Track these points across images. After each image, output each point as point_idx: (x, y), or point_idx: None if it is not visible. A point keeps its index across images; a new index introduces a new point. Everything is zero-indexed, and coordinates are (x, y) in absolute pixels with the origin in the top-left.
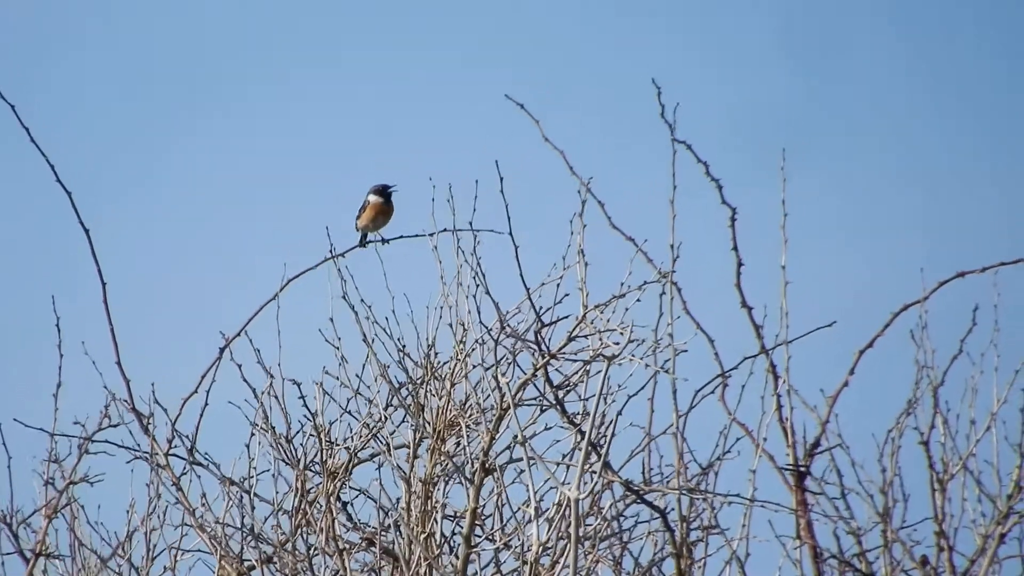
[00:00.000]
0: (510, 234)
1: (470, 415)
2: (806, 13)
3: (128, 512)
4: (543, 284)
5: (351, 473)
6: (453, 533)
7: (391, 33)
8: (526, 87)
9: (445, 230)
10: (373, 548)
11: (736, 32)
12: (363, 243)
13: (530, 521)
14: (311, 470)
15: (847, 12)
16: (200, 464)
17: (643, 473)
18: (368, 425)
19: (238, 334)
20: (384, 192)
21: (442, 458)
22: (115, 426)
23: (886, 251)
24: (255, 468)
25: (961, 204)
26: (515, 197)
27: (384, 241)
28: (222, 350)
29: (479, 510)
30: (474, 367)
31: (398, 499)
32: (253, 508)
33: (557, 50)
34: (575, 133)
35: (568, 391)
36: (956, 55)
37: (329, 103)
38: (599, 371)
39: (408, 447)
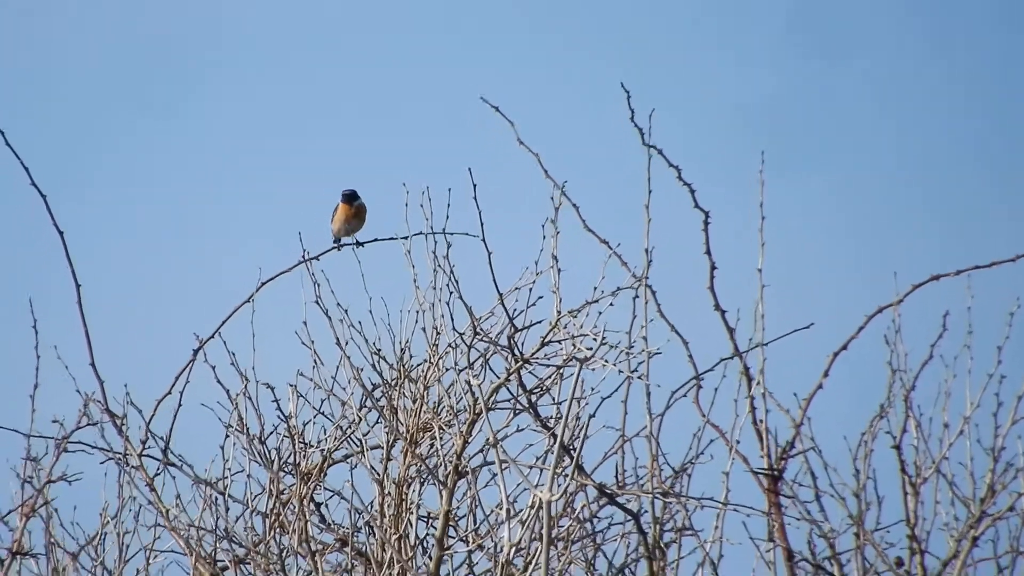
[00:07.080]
0: (483, 239)
1: (443, 417)
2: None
3: (101, 514)
4: (516, 288)
5: (325, 474)
6: (426, 535)
7: (366, 37)
8: (503, 88)
9: (419, 233)
10: (346, 549)
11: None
12: (338, 246)
13: (503, 523)
14: (285, 471)
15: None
16: (174, 465)
17: (616, 475)
18: (341, 427)
19: (212, 336)
20: (351, 197)
21: (415, 460)
22: (94, 424)
23: (861, 254)
24: (229, 469)
25: (933, 209)
26: (488, 202)
27: (358, 244)
28: (196, 352)
29: (452, 512)
30: (447, 370)
31: (371, 501)
32: (227, 509)
33: (533, 49)
34: (551, 135)
35: (541, 395)
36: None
37: (304, 107)
38: (572, 375)
39: (382, 448)
